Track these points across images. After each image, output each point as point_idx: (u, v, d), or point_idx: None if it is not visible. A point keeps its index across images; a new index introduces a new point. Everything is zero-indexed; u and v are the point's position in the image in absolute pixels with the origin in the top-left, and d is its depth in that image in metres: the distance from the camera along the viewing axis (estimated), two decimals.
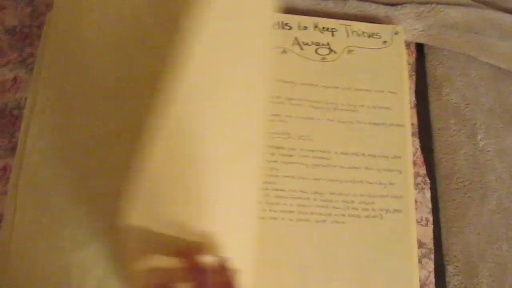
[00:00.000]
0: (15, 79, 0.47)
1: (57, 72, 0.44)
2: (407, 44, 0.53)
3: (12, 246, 0.39)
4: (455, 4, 0.53)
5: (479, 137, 0.52)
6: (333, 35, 0.50)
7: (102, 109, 0.41)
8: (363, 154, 0.47)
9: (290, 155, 0.46)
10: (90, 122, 0.41)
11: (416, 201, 0.48)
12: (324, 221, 0.44)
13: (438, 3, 0.53)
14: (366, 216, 0.45)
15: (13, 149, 0.45)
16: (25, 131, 0.43)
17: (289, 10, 0.51)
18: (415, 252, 0.45)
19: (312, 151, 0.46)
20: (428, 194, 0.49)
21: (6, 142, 0.46)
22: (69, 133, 0.41)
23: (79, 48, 0.43)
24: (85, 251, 0.38)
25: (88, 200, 0.39)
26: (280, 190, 0.45)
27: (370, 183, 0.46)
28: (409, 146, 0.48)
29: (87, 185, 0.40)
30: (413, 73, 0.53)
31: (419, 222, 0.48)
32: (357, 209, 0.45)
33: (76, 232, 0.39)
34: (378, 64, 0.50)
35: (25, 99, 0.47)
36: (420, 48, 0.55)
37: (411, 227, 0.45)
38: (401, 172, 0.47)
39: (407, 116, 0.49)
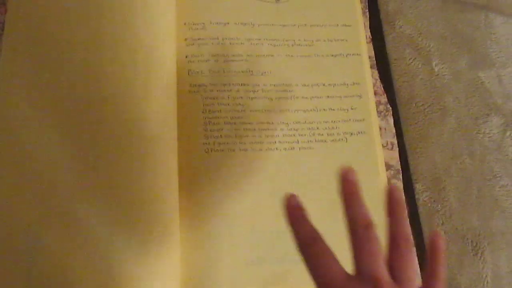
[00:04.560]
0: None
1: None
2: None
3: None
4: None
5: (434, 63, 0.55)
6: None
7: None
8: (324, 84, 0.49)
9: (255, 91, 0.48)
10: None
11: (380, 128, 0.50)
12: (293, 148, 0.47)
13: None
14: (332, 141, 0.47)
15: None
16: None
17: None
18: (383, 171, 0.48)
19: (275, 85, 0.48)
20: (391, 120, 0.52)
21: None
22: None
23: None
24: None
25: None
26: (248, 123, 0.47)
27: (332, 109, 0.48)
28: (367, 73, 0.50)
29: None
30: (366, 10, 0.56)
31: (385, 147, 0.50)
32: (322, 134, 0.47)
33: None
34: (331, 0, 0.52)
35: None
36: None
37: (376, 147, 0.48)
38: (361, 97, 0.49)
39: (363, 46, 0.51)
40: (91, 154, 0.41)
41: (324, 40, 0.51)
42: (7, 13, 0.47)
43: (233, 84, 0.48)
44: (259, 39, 0.50)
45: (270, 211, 0.45)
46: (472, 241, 0.48)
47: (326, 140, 0.47)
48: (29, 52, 0.45)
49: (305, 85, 0.49)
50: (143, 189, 0.41)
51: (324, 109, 0.48)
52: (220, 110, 0.47)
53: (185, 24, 0.49)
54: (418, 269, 0.38)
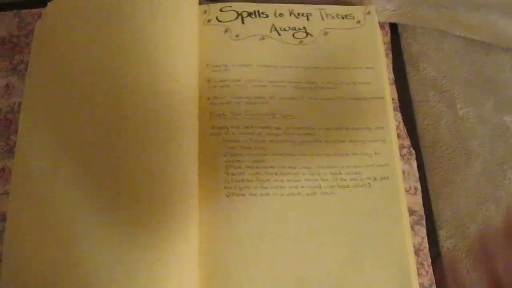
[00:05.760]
0: (7, 85, 0.49)
1: (44, 77, 0.46)
2: (381, 25, 0.56)
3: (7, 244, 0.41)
4: None
5: (458, 106, 0.54)
6: (308, 19, 0.52)
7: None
8: (347, 128, 0.48)
9: (277, 134, 0.47)
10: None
11: (403, 172, 0.49)
12: (314, 193, 0.46)
13: None
14: (355, 186, 0.47)
15: (10, 151, 0.47)
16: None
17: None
18: (406, 216, 0.46)
19: (298, 128, 0.48)
20: (414, 164, 0.51)
21: (3, 145, 0.47)
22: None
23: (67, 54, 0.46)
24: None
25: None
26: (270, 167, 0.46)
27: (355, 154, 0.48)
28: (391, 116, 0.50)
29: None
30: (390, 51, 0.55)
31: (408, 191, 0.49)
32: (345, 179, 0.47)
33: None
34: (354, 43, 0.52)
35: (19, 103, 0.49)
36: (394, 28, 0.57)
37: (400, 193, 0.47)
38: (384, 142, 0.48)
39: (387, 89, 0.51)
40: (111, 200, 0.41)
41: (347, 83, 0.50)
42: (30, 54, 0.48)
43: (255, 127, 0.47)
44: (282, 81, 0.49)
45: (291, 257, 0.44)
46: None
47: (349, 186, 0.46)
48: (50, 93, 0.45)
49: (328, 128, 0.48)
50: (165, 234, 0.40)
51: (347, 154, 0.48)
52: (242, 154, 0.46)
53: (207, 65, 0.49)
54: None
